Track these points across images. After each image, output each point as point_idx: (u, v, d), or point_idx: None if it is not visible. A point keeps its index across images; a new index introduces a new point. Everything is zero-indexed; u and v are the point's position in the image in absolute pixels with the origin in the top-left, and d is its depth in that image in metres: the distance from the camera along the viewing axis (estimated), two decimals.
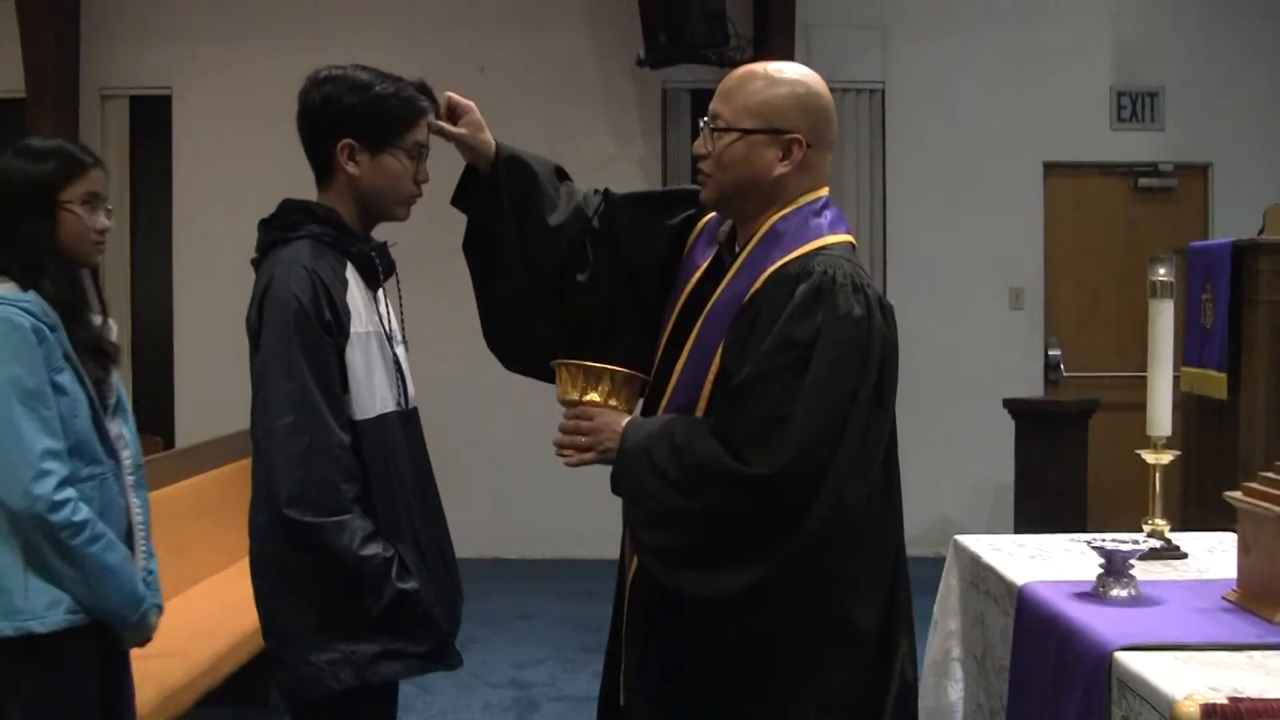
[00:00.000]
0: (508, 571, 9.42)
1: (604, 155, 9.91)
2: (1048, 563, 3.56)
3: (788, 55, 8.79)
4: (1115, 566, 3.12)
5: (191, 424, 9.54)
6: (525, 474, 9.38)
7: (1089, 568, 3.21)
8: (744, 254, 2.97)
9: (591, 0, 9.90)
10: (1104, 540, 3.17)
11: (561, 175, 3.35)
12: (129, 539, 3.59)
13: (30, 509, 3.28)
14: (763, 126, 2.93)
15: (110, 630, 3.52)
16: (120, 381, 3.68)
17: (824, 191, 3.02)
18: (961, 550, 3.89)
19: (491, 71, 9.75)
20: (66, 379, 3.39)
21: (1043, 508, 7.86)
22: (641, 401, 3.11)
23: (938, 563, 4.04)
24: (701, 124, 3.03)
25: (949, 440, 9.59)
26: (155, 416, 9.70)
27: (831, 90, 3.03)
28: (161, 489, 5.78)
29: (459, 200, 3.33)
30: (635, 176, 9.88)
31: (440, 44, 9.61)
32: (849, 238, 2.99)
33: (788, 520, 2.72)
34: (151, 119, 10.07)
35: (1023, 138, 9.97)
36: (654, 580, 2.92)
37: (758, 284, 2.87)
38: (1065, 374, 10.03)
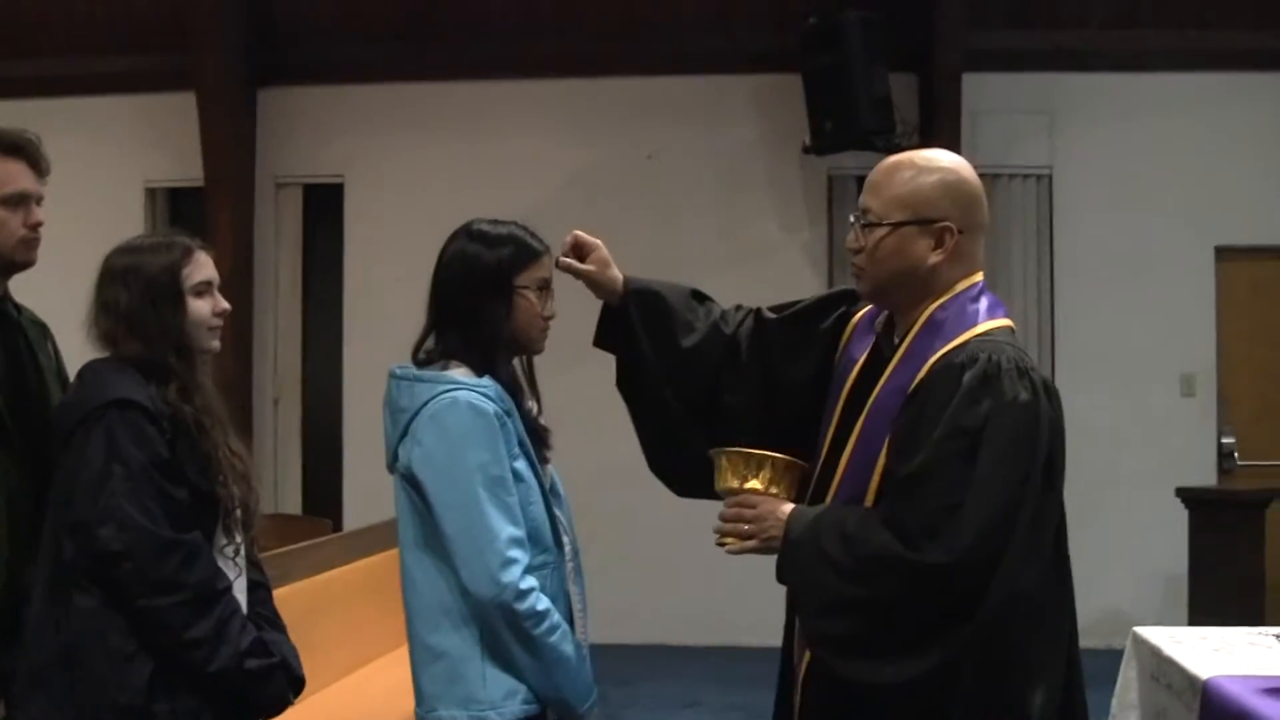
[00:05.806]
0: (674, 658, 9.37)
1: (770, 242, 9.92)
2: (1232, 656, 3.48)
3: (954, 141, 8.76)
4: None
5: (359, 507, 9.66)
6: (690, 560, 9.33)
7: (1276, 662, 3.13)
8: (904, 345, 2.98)
9: (758, 88, 9.95)
10: None
11: (700, 297, 3.40)
12: (571, 628, 3.41)
13: (497, 597, 3.19)
14: (913, 218, 2.95)
15: None
16: (554, 467, 3.57)
17: (979, 277, 3.04)
18: (1141, 643, 3.82)
19: (659, 159, 9.86)
20: (522, 465, 3.32)
21: (1218, 599, 7.66)
22: (809, 492, 3.11)
23: (1108, 654, 3.98)
24: (851, 219, 3.06)
25: (1119, 530, 9.31)
26: (325, 500, 9.96)
27: (998, 176, 3.05)
28: (333, 570, 5.86)
29: (599, 340, 3.41)
30: (801, 263, 9.90)
31: (609, 132, 9.82)
32: (1008, 322, 3.00)
33: (961, 607, 2.71)
34: (324, 206, 10.33)
35: (1194, 221, 9.74)
36: (828, 670, 2.90)
37: (921, 374, 2.88)
38: (1239, 463, 9.73)
